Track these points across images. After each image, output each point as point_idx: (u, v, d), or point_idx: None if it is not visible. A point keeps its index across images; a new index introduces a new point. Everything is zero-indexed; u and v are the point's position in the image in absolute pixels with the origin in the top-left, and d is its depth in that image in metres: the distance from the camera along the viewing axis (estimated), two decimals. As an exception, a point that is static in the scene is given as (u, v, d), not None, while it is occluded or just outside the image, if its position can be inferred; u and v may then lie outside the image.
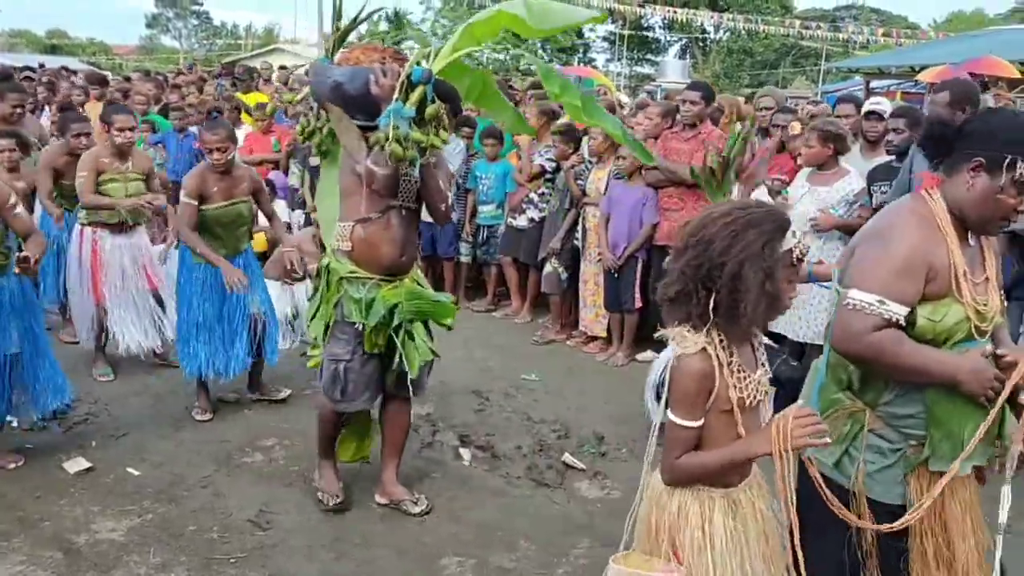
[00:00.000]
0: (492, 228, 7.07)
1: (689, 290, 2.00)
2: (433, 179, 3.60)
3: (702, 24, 37.01)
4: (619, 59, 44.14)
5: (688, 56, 44.39)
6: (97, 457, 4.23)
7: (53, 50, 41.84)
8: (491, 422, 4.92)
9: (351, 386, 3.67)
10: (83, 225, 5.21)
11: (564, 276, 6.37)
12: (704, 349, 2.00)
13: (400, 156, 3.28)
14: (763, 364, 2.15)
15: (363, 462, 4.12)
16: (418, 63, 3.38)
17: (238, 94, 9.14)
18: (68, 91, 9.59)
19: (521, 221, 6.77)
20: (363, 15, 3.80)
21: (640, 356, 6.00)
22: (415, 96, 3.30)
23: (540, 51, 41.82)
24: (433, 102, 3.36)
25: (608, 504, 4.04)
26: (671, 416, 2.05)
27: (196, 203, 4.53)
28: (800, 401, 2.32)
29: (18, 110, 6.08)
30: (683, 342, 2.02)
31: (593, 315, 6.26)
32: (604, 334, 6.26)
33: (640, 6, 31.14)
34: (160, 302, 5.39)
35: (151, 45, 57.44)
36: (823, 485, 2.28)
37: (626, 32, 40.98)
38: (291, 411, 4.91)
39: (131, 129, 5.14)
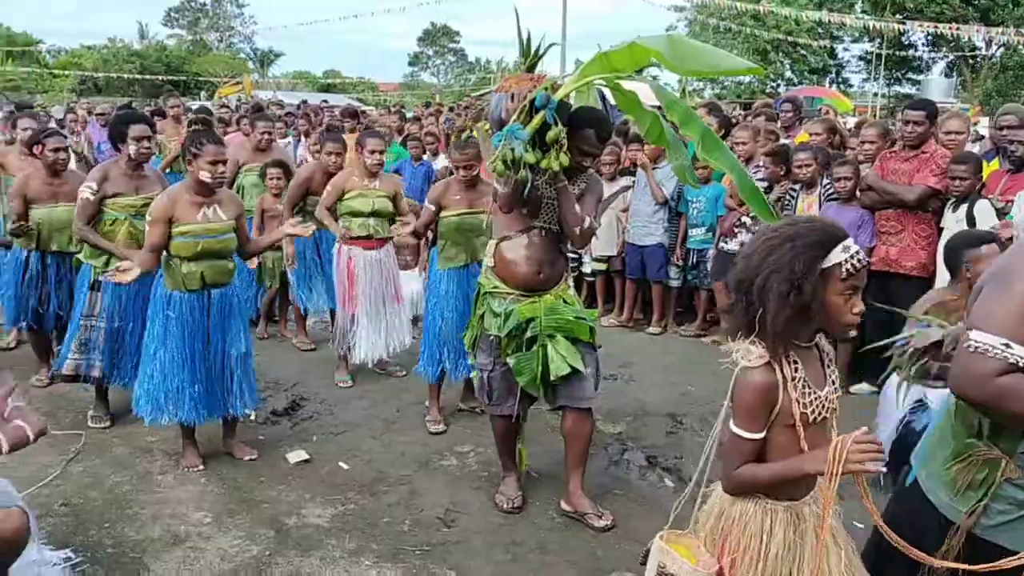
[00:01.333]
0: (702, 252, 7.01)
1: (735, 301, 2.08)
2: (567, 202, 3.68)
3: (971, 40, 34.25)
4: (876, 79, 41.73)
5: (955, 74, 41.14)
6: (315, 451, 4.69)
7: (328, 88, 46.14)
8: (682, 446, 4.90)
9: (495, 393, 3.94)
10: (340, 244, 5.66)
11: (773, 302, 6.19)
12: (768, 363, 2.04)
13: (502, 173, 3.41)
14: (833, 382, 2.17)
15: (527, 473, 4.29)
16: (545, 89, 3.46)
17: (468, 123, 9.72)
18: (329, 123, 10.69)
19: (732, 245, 6.65)
20: (543, 49, 3.86)
21: (854, 388, 5.70)
22: (535, 120, 3.38)
23: (787, 71, 40.46)
24: (556, 125, 3.41)
25: (793, 536, 3.91)
26: (732, 427, 2.10)
27: (433, 208, 4.93)
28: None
29: (266, 136, 6.91)
30: (747, 355, 2.06)
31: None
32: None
33: (901, 23, 29.38)
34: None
35: (413, 82, 61.87)
36: (889, 533, 2.18)
37: (884, 51, 38.69)
38: (488, 421, 5.14)
39: (380, 152, 5.63)
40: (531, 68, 3.81)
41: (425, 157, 8.59)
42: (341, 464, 4.55)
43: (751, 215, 6.52)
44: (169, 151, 8.18)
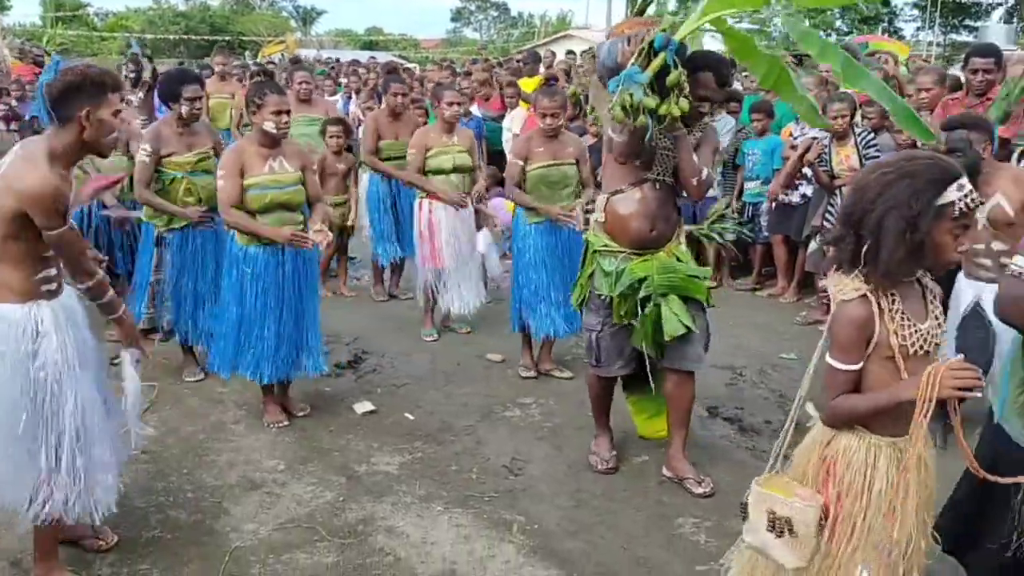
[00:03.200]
0: (757, 205, 6.95)
1: (842, 235, 2.09)
2: (685, 151, 3.52)
3: (1033, -18, 32.96)
4: (931, 27, 40.44)
5: (1016, 19, 39.67)
6: (381, 402, 4.79)
7: (370, 46, 45.88)
8: (742, 397, 4.93)
9: (603, 354, 3.82)
10: (420, 199, 5.73)
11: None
12: (865, 296, 2.07)
13: (621, 120, 3.23)
14: (936, 316, 2.18)
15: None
16: (664, 30, 3.27)
17: (520, 80, 9.65)
18: (390, 66, 10.65)
19: (794, 197, 6.60)
20: None
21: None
22: (655, 63, 3.21)
23: (838, 21, 39.36)
24: (676, 68, 3.24)
25: (857, 485, 3.93)
26: (829, 359, 2.15)
27: (521, 163, 4.89)
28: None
29: (304, 86, 7.20)
30: (842, 288, 2.10)
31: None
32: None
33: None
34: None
35: (455, 38, 61.24)
36: (972, 457, 2.18)
37: (939, -4, 37.46)
38: (550, 375, 5.25)
39: (459, 104, 5.66)
40: (640, 12, 3.66)
41: (473, 109, 8.56)
42: (407, 415, 4.65)
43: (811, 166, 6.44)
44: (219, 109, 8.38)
